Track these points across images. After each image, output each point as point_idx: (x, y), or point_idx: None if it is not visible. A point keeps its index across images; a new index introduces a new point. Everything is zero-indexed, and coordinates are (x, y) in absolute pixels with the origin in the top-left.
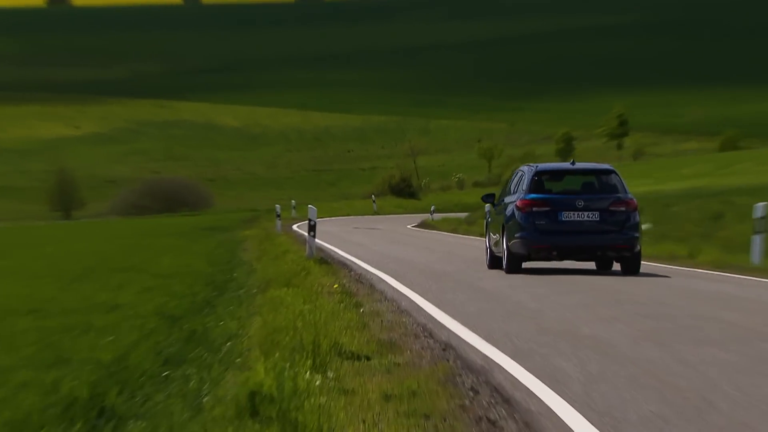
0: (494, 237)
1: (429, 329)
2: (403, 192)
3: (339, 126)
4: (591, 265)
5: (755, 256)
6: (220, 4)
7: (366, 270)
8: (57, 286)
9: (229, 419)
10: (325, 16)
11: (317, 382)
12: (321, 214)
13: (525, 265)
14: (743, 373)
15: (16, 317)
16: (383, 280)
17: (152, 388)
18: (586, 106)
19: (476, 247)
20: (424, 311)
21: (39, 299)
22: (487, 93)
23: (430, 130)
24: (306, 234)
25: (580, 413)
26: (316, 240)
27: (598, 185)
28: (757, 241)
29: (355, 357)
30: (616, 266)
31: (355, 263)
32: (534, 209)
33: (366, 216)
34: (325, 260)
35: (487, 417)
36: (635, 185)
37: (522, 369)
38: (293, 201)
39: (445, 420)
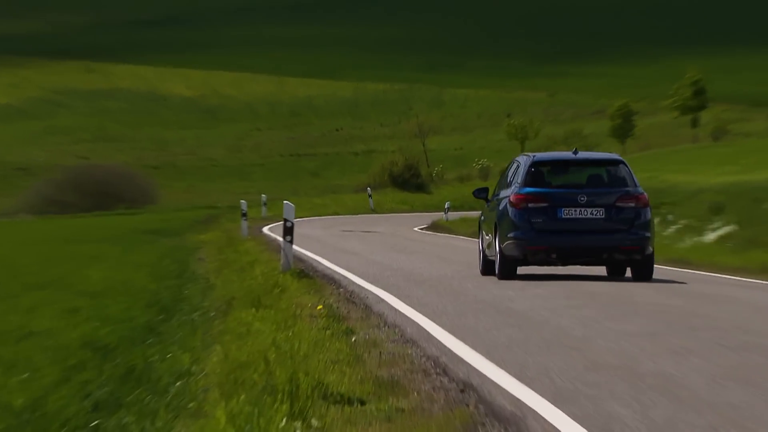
0: (487, 238)
1: (443, 364)
2: (409, 184)
3: (324, 97)
4: (603, 270)
5: None
6: None
7: (359, 286)
8: None
9: None
10: None
11: None
12: (300, 213)
13: (537, 271)
14: None
15: None
16: (382, 300)
17: None
18: (650, 71)
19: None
20: (437, 340)
21: None
22: (519, 53)
23: (444, 102)
24: (281, 239)
25: None
26: (294, 247)
27: (604, 178)
28: None
29: (346, 401)
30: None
31: (346, 277)
32: (530, 205)
33: (360, 215)
34: (306, 273)
35: None
36: (714, 174)
37: (565, 416)
38: (264, 196)
39: None
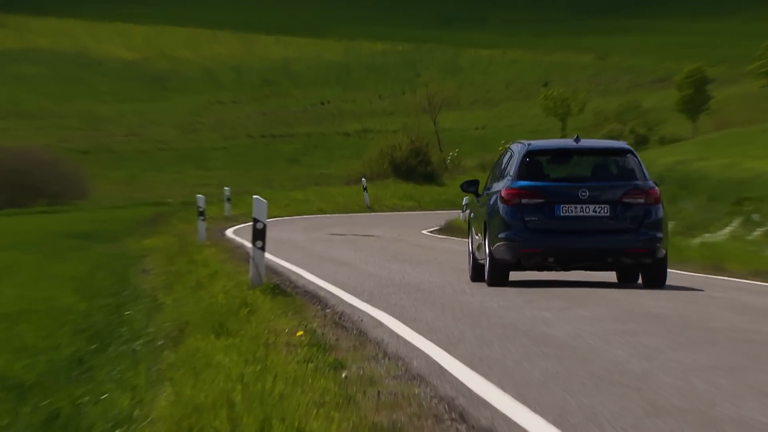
0: (476, 238)
1: (459, 407)
2: (416, 173)
3: (306, 60)
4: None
5: None
6: None
7: (352, 306)
8: None
9: None
10: None
11: None
12: (275, 211)
13: (536, 277)
14: None
15: None
16: (381, 324)
17: None
18: (729, 26)
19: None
20: (452, 376)
21: None
22: (560, 3)
23: (462, 68)
24: (249, 245)
25: None
26: (267, 255)
27: (609, 169)
28: None
29: None
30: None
31: (334, 294)
32: (523, 201)
33: (353, 214)
34: (282, 290)
35: None
36: None
37: None
38: (227, 189)
39: None
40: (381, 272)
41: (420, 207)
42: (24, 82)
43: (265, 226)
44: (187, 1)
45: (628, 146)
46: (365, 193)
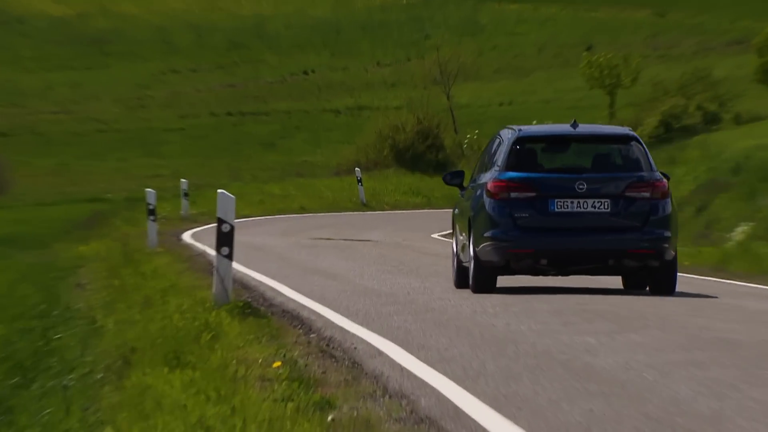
0: (461, 238)
1: None
2: (424, 162)
3: (284, 17)
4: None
5: None
6: None
7: (342, 330)
8: None
9: None
10: None
11: None
12: (246, 209)
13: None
14: None
15: None
16: (380, 353)
17: None
18: None
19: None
20: (469, 419)
21: None
22: None
23: (482, 27)
24: (213, 252)
25: None
26: (236, 266)
27: (611, 159)
28: None
29: None
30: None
31: (320, 315)
32: (512, 195)
33: (344, 213)
34: (255, 309)
35: None
36: None
37: None
38: (184, 181)
39: None
40: (380, 287)
41: (429, 204)
42: None
43: (232, 228)
44: None
45: (633, 132)
46: (360, 187)
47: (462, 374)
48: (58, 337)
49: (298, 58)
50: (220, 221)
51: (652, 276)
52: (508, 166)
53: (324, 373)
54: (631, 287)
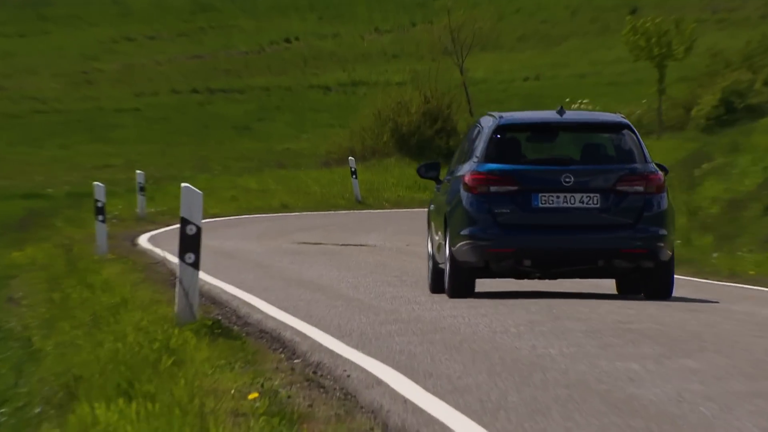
0: (436, 237)
1: None
2: (432, 148)
3: None
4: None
5: None
6: None
7: (333, 353)
8: None
9: None
10: None
11: None
12: (215, 207)
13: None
14: None
15: None
16: (379, 381)
17: None
18: None
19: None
20: None
21: None
22: None
23: None
24: (175, 260)
25: None
26: (203, 276)
27: (601, 150)
28: None
29: None
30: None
31: (306, 335)
32: (492, 189)
33: (335, 211)
34: (226, 328)
35: None
36: None
37: None
38: (140, 173)
39: None
40: (379, 302)
41: None
42: None
43: (199, 230)
44: None
45: (625, 120)
46: (354, 180)
47: (479, 408)
48: None
49: (278, 23)
50: (185, 222)
51: (646, 279)
52: (488, 157)
53: (310, 406)
54: (627, 292)
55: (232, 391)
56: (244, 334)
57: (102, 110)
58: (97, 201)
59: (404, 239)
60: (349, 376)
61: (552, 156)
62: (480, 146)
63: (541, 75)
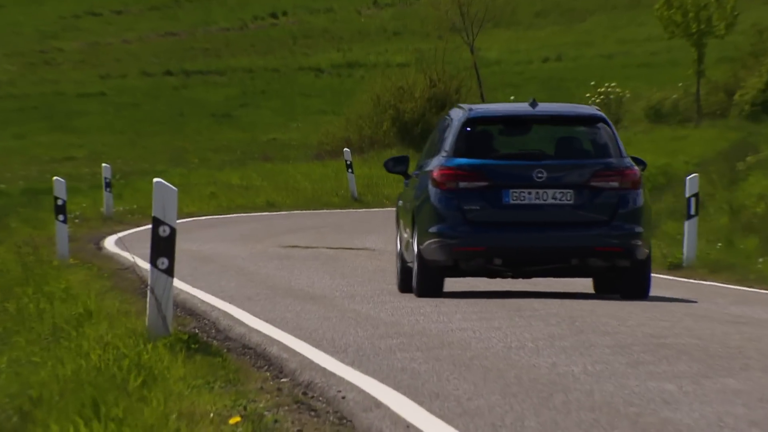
0: (405, 235)
1: None
2: None
3: None
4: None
5: None
6: None
7: (325, 371)
8: None
9: None
10: None
11: None
12: (192, 205)
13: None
14: None
15: None
16: (378, 403)
17: None
18: None
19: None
20: None
21: None
22: None
23: None
24: (147, 265)
25: None
26: (178, 284)
27: (575, 144)
28: None
29: None
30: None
31: (295, 351)
32: (461, 185)
33: (328, 210)
34: (205, 343)
35: None
36: None
37: None
38: (107, 167)
39: None
40: (378, 312)
41: None
42: None
43: (173, 231)
44: None
45: (600, 113)
46: (350, 175)
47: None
48: None
49: None
50: (157, 222)
51: (621, 278)
52: (457, 151)
53: (300, 431)
54: (604, 291)
55: (211, 415)
56: (224, 350)
57: (63, 95)
58: (57, 198)
59: None
60: (344, 397)
61: (524, 150)
62: (449, 140)
63: (563, 55)
